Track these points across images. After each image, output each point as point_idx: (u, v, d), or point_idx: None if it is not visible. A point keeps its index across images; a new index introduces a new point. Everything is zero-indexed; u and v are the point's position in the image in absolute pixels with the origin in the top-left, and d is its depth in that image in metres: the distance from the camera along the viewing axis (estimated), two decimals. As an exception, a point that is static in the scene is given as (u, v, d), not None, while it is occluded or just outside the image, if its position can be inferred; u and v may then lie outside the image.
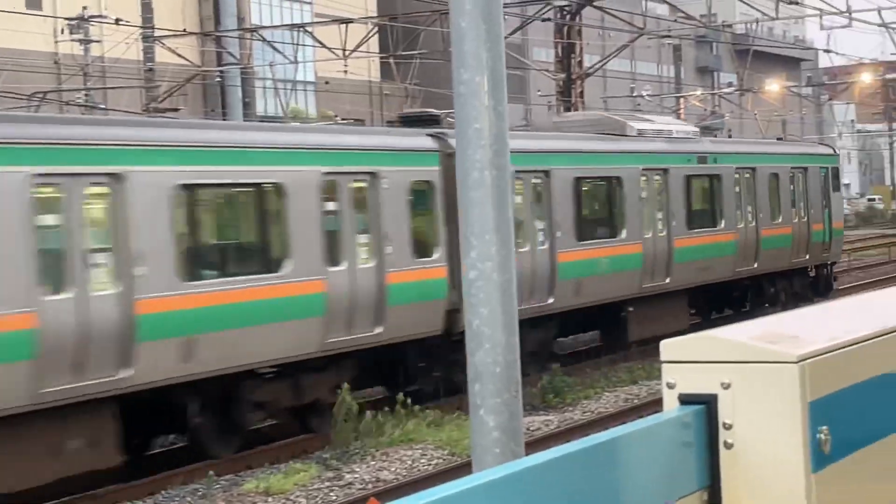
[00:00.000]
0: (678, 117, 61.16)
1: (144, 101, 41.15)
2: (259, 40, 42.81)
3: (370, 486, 16.43)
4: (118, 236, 15.56)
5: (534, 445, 17.29)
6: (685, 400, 3.21)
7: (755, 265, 29.64)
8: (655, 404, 21.49)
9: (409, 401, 19.24)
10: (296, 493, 15.97)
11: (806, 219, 32.53)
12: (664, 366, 3.25)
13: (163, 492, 16.25)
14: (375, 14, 60.91)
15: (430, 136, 21.34)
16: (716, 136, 32.44)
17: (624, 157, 25.72)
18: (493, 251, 4.92)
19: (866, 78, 65.63)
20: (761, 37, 62.37)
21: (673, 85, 76.59)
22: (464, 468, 16.58)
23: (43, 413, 14.71)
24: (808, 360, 3.20)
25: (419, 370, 21.16)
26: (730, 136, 40.11)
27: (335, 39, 39.36)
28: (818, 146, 36.00)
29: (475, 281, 4.92)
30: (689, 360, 3.23)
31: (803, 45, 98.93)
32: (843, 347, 3.40)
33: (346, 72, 41.97)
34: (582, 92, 40.80)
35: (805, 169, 32.75)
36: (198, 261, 16.84)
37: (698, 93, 69.83)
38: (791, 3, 45.01)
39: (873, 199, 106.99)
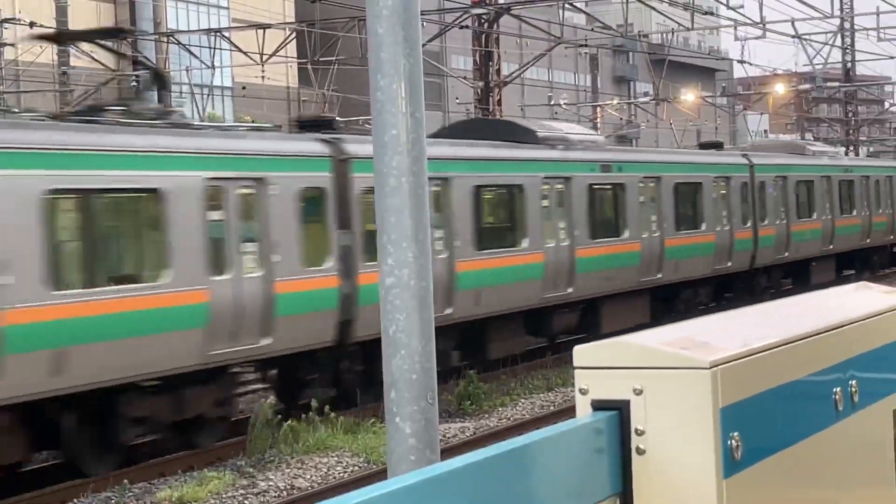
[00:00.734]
0: (595, 126, 61.58)
1: (60, 105, 40.73)
2: (175, 44, 42.54)
3: (285, 493, 16.34)
4: None
5: (450, 452, 17.29)
6: (598, 406, 3.21)
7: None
8: (571, 411, 21.60)
9: (326, 408, 19.10)
10: (210, 502, 15.85)
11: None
12: (577, 371, 3.24)
13: (75, 500, 16.06)
14: (293, 19, 60.75)
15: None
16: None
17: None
18: (410, 258, 4.92)
19: (780, 89, 66.40)
20: (677, 47, 62.90)
21: (590, 94, 77.06)
22: (379, 475, 16.55)
23: None
24: (721, 366, 3.21)
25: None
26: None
27: (252, 45, 39.23)
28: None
29: (392, 288, 4.92)
30: (602, 365, 3.22)
31: (718, 55, 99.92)
32: (755, 353, 3.41)
33: (263, 77, 41.83)
34: (500, 100, 40.93)
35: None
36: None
37: (615, 102, 70.31)
38: (706, 13, 45.46)
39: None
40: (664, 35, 56.84)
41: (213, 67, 40.90)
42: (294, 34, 43.61)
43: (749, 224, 33.98)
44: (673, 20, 44.46)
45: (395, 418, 4.88)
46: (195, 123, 20.78)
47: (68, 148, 16.09)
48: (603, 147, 29.40)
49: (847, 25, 64.82)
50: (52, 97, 44.61)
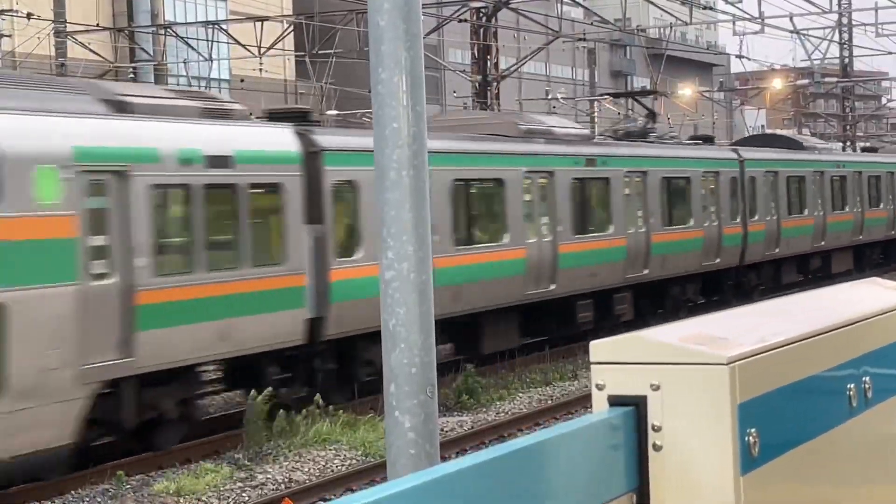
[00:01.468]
0: (592, 121, 61.53)
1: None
2: (173, 36, 42.47)
3: (283, 486, 16.32)
4: None
5: (448, 446, 17.27)
6: (614, 401, 3.18)
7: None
8: (568, 405, 21.62)
9: (319, 399, 18.98)
10: (208, 494, 15.82)
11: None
12: (593, 367, 3.22)
13: (72, 492, 16.03)
14: (291, 12, 60.69)
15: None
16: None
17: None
18: (410, 252, 4.92)
19: (777, 84, 66.32)
20: (675, 42, 62.84)
21: (587, 88, 77.03)
22: (378, 469, 16.52)
23: None
24: (738, 362, 3.18)
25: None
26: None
27: (250, 37, 39.20)
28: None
29: (392, 281, 4.92)
30: (619, 361, 3.20)
31: (716, 50, 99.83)
32: (773, 349, 3.39)
33: (261, 70, 41.79)
34: (498, 94, 40.91)
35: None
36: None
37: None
38: (704, 8, 45.45)
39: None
40: (662, 30, 56.80)
41: (211, 60, 40.84)
42: (292, 27, 43.59)
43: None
44: (671, 14, 44.45)
45: (395, 412, 4.87)
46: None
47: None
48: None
49: (845, 21, 64.82)
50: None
